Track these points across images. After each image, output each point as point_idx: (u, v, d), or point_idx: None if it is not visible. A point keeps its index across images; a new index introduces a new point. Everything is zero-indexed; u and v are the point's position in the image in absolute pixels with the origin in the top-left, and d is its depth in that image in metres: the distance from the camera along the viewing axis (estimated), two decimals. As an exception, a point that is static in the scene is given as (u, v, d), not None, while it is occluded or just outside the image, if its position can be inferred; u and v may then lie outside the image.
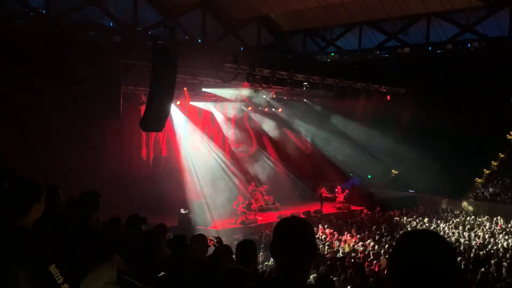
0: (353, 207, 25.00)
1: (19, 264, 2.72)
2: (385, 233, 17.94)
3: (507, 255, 14.79)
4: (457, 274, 1.81)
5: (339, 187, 26.05)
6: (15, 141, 17.91)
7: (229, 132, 25.70)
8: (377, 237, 17.16)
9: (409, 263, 1.74)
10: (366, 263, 13.11)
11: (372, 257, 13.86)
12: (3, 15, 19.94)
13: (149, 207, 20.00)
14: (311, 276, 9.89)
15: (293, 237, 2.32)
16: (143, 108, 18.14)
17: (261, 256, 13.10)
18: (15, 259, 2.72)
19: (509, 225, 20.21)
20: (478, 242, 16.63)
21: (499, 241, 16.95)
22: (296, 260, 2.30)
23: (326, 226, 19.22)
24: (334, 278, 11.15)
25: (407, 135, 26.78)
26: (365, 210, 24.17)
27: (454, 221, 21.14)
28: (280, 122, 27.48)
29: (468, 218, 22.03)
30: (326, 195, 24.74)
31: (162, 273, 3.91)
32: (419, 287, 1.72)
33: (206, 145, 24.21)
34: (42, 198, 3.12)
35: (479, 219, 21.74)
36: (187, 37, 26.98)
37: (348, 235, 17.63)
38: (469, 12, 25.59)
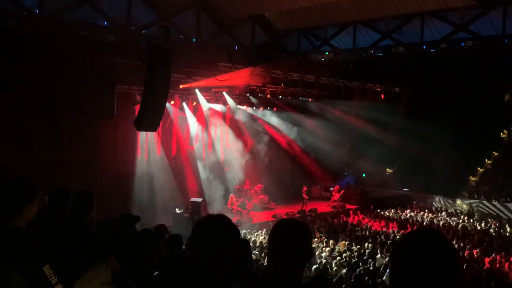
0: (347, 206, 25.03)
1: (12, 265, 2.70)
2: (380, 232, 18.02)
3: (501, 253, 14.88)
4: (458, 273, 1.80)
5: (337, 186, 26.05)
6: (8, 140, 17.82)
7: (224, 131, 25.67)
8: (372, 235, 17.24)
9: (411, 262, 1.75)
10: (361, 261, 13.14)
11: (367, 256, 13.89)
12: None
13: (144, 206, 19.98)
14: (307, 276, 9.89)
15: (291, 237, 2.34)
16: (137, 107, 18.09)
17: (255, 255, 13.09)
18: (8, 259, 2.71)
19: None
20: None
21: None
22: (292, 261, 2.32)
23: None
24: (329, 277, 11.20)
25: (401, 134, 26.87)
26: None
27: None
28: (274, 122, 27.49)
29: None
30: (305, 195, 24.47)
31: (156, 272, 3.89)
32: (421, 285, 1.72)
33: (200, 144, 24.21)
34: (36, 199, 3.10)
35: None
36: (181, 36, 26.93)
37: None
38: (463, 11, 25.66)
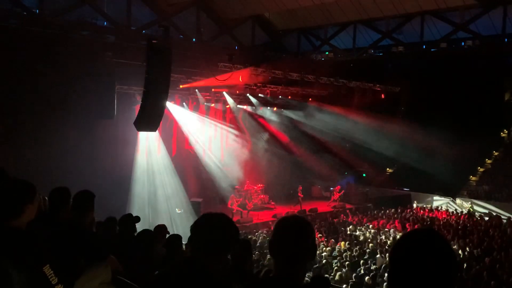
0: (348, 206, 25.04)
1: (12, 265, 2.70)
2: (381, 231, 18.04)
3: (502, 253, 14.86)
4: (457, 273, 1.79)
5: (338, 186, 26.02)
6: (8, 141, 17.82)
7: (224, 131, 25.67)
8: (372, 235, 17.25)
9: (410, 262, 1.74)
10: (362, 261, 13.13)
11: (368, 256, 13.89)
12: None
13: (144, 206, 20.00)
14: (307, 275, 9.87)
15: (293, 236, 2.30)
16: (137, 108, 18.09)
17: (256, 255, 13.09)
18: (8, 260, 2.70)
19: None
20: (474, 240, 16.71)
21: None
22: (295, 260, 2.28)
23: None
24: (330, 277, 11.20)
25: (401, 133, 26.84)
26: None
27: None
28: (274, 121, 27.51)
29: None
30: (300, 194, 24.44)
31: (156, 272, 3.90)
32: (419, 286, 1.71)
33: (200, 144, 24.22)
34: (35, 199, 3.09)
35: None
36: (181, 36, 26.92)
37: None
38: (462, 10, 25.66)
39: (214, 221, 2.57)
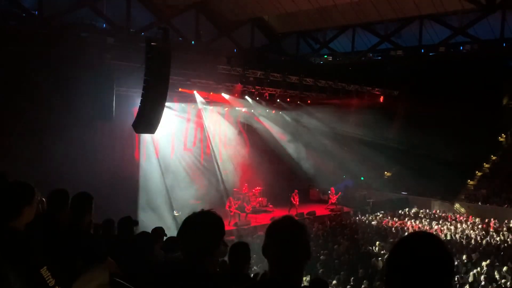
0: (346, 209, 25.02)
1: (10, 267, 2.70)
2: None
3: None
4: (454, 277, 1.80)
5: (332, 188, 26.00)
6: (6, 142, 17.78)
7: (223, 133, 25.65)
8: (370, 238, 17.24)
9: (407, 265, 1.74)
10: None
11: (366, 259, 13.89)
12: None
13: (142, 208, 19.95)
14: (305, 279, 9.87)
15: (287, 238, 2.28)
16: (136, 109, 18.08)
17: (254, 258, 13.06)
18: (6, 261, 2.70)
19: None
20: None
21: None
22: (289, 261, 2.26)
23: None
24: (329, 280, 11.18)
25: (399, 137, 26.89)
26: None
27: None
28: (273, 123, 27.50)
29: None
30: (292, 200, 24.25)
31: (154, 274, 3.90)
32: None
33: (199, 146, 24.20)
34: (33, 200, 3.09)
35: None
36: (180, 38, 26.92)
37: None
38: (461, 14, 25.70)
39: (197, 220, 2.65)
